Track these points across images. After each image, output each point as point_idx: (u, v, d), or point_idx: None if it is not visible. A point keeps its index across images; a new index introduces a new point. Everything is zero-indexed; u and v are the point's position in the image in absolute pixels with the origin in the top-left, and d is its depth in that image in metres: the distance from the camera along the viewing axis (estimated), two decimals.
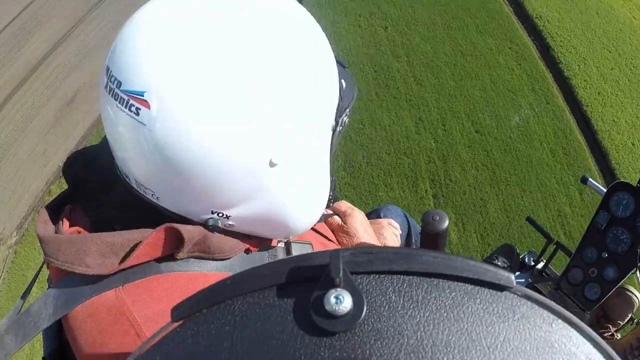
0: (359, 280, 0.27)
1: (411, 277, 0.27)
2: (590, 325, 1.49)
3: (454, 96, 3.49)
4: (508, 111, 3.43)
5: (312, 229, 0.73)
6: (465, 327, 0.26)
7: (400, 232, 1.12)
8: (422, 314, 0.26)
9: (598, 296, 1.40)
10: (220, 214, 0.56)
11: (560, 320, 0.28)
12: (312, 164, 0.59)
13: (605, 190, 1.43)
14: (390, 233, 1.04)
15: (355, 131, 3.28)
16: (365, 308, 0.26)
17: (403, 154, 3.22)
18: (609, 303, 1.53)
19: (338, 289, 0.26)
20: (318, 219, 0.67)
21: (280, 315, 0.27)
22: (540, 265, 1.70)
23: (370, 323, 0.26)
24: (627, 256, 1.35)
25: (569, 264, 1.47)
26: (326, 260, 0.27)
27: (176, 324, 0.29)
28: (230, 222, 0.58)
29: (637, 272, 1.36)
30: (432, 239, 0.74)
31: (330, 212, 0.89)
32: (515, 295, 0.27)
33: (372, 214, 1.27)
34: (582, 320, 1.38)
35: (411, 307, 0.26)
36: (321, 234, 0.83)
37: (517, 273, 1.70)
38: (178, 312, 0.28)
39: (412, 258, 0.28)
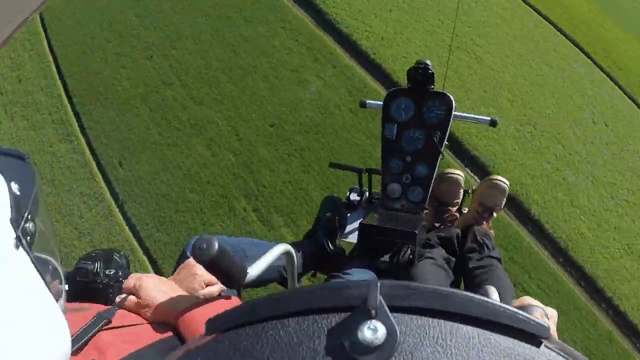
0: (394, 315, 0.27)
1: (450, 322, 0.27)
2: (436, 219, 1.61)
3: (238, 99, 3.20)
4: (297, 92, 3.20)
5: (109, 328, 0.69)
6: None
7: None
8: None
9: (422, 195, 1.43)
10: None
11: None
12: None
13: (382, 103, 1.44)
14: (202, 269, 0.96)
15: (152, 184, 2.88)
16: (398, 341, 0.26)
17: (207, 183, 2.87)
18: (438, 192, 1.57)
19: (373, 321, 0.26)
20: (65, 348, 0.55)
21: (313, 341, 0.27)
22: (366, 197, 1.72)
23: (403, 358, 0.25)
24: (428, 149, 1.40)
25: (382, 183, 1.48)
26: (364, 291, 0.27)
27: (209, 337, 0.29)
28: None
29: (443, 155, 1.41)
30: (210, 266, 0.68)
31: (123, 295, 0.82)
32: (553, 352, 0.27)
33: (182, 257, 1.15)
34: (421, 221, 1.39)
35: (445, 351, 0.26)
36: (121, 326, 0.74)
37: (350, 214, 1.69)
38: (213, 325, 0.30)
39: (449, 299, 0.27)
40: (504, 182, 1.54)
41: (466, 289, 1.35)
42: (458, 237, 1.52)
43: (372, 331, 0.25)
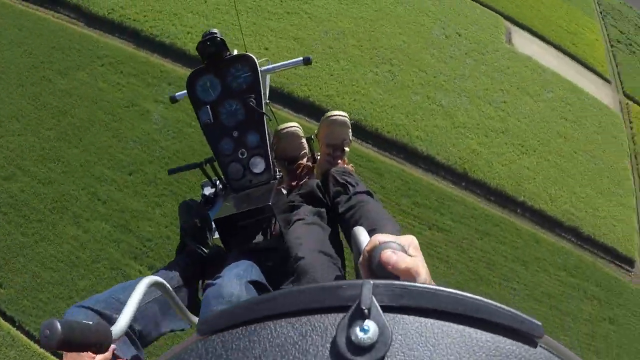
0: (386, 315, 0.27)
1: (441, 322, 0.27)
2: (290, 178, 1.52)
3: (86, 162, 2.96)
4: (142, 127, 2.98)
5: None
6: None
7: None
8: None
9: (264, 163, 1.37)
10: None
11: None
12: None
13: (185, 91, 1.37)
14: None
15: (39, 290, 2.66)
16: (391, 341, 0.26)
17: (92, 263, 2.69)
18: (281, 150, 1.51)
19: (366, 320, 0.26)
20: None
21: (306, 341, 0.27)
22: (219, 186, 1.64)
23: (396, 357, 0.26)
24: (250, 115, 1.34)
25: (221, 169, 1.41)
26: (357, 291, 0.27)
27: (200, 337, 0.29)
28: None
29: (268, 117, 1.35)
30: (64, 349, 0.60)
31: None
32: (548, 352, 0.27)
33: None
34: (272, 189, 1.27)
35: (436, 351, 0.26)
36: None
37: (210, 208, 1.62)
38: (205, 326, 0.29)
39: (440, 297, 0.27)
40: (341, 115, 1.47)
41: (345, 236, 1.33)
42: (319, 186, 1.44)
43: (366, 331, 0.26)
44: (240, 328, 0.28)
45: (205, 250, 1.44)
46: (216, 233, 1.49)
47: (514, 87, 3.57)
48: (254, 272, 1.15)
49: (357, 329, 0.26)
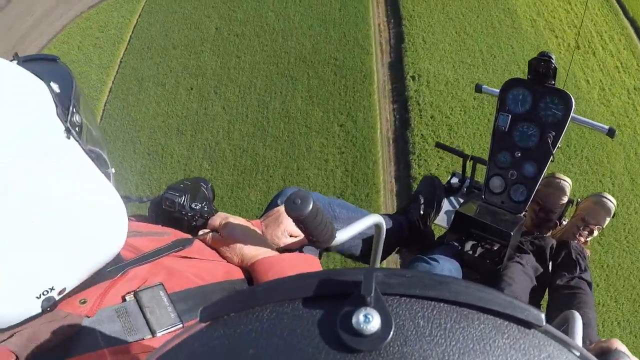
0: (389, 302, 0.27)
1: (442, 304, 0.27)
2: (533, 225, 1.56)
3: None
4: None
5: (185, 257, 0.71)
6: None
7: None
8: (448, 343, 0.25)
9: (526, 195, 1.37)
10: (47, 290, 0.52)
11: None
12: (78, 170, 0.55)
13: (498, 91, 1.39)
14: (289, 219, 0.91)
15: None
16: (393, 329, 0.25)
17: None
18: (542, 195, 1.52)
19: (368, 308, 0.26)
20: (124, 227, 0.62)
21: (307, 327, 0.26)
22: (467, 184, 1.68)
23: (396, 345, 0.25)
24: (540, 148, 1.33)
25: (486, 175, 1.43)
26: (359, 278, 0.27)
27: (203, 325, 0.28)
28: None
29: (552, 160, 1.33)
30: (300, 223, 0.67)
31: (205, 230, 0.86)
32: (544, 335, 0.27)
33: (271, 205, 1.18)
34: (519, 222, 1.36)
35: (438, 334, 0.26)
36: (196, 258, 0.77)
37: (447, 198, 1.66)
38: (206, 313, 0.28)
39: (444, 285, 0.27)
40: (611, 201, 1.50)
41: (549, 306, 1.35)
42: (552, 248, 1.48)
43: (367, 318, 0.25)
44: (243, 313, 0.28)
45: (422, 227, 1.51)
46: (441, 220, 1.61)
47: None
48: (459, 277, 1.21)
49: (360, 316, 0.25)
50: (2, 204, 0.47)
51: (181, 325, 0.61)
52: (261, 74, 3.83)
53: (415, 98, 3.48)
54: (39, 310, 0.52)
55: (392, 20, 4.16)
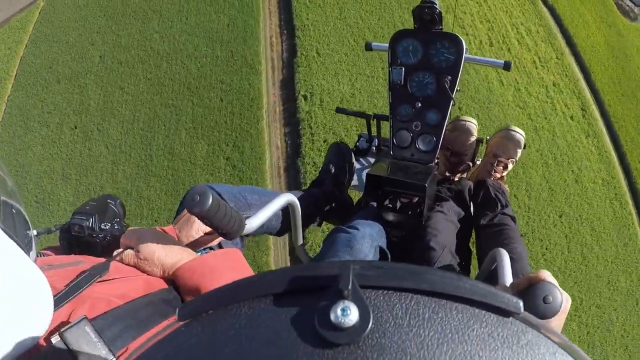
0: (366, 294, 0.27)
1: (419, 295, 0.27)
2: (447, 170, 1.54)
3: None
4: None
5: (103, 280, 0.68)
6: (469, 349, 0.25)
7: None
8: (427, 333, 0.26)
9: (434, 144, 1.37)
10: None
11: (562, 351, 0.27)
12: None
13: (387, 46, 1.37)
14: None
15: None
16: (371, 322, 0.26)
17: None
18: (450, 140, 1.50)
19: (346, 301, 0.26)
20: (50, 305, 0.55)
21: (284, 323, 0.27)
22: (375, 143, 1.67)
23: (374, 338, 0.26)
24: (439, 94, 1.33)
25: (390, 131, 1.41)
26: (335, 272, 0.27)
27: (181, 323, 0.29)
28: None
29: (454, 103, 1.32)
30: (204, 219, 0.66)
31: (119, 250, 0.81)
32: (522, 323, 0.27)
33: (181, 206, 1.13)
34: (431, 172, 1.32)
35: (417, 325, 0.26)
36: (116, 279, 0.72)
37: (358, 161, 1.64)
38: (184, 311, 0.29)
39: (421, 276, 0.28)
40: (520, 133, 1.48)
41: (478, 246, 1.36)
42: (470, 190, 1.48)
43: (345, 312, 0.25)
44: (221, 310, 0.28)
45: (339, 196, 1.51)
46: (354, 183, 1.58)
47: None
48: (383, 238, 1.20)
49: (337, 309, 0.25)
50: None
51: (114, 358, 0.55)
52: (144, 106, 3.48)
53: (307, 120, 3.12)
54: None
55: (286, 32, 3.78)
